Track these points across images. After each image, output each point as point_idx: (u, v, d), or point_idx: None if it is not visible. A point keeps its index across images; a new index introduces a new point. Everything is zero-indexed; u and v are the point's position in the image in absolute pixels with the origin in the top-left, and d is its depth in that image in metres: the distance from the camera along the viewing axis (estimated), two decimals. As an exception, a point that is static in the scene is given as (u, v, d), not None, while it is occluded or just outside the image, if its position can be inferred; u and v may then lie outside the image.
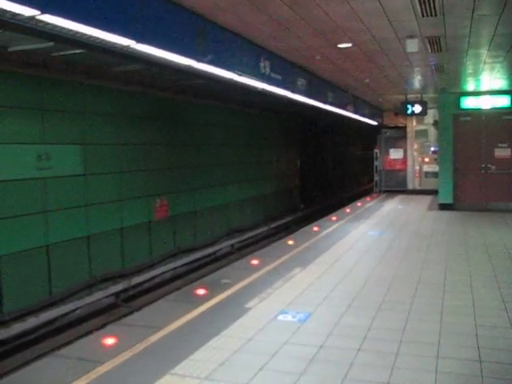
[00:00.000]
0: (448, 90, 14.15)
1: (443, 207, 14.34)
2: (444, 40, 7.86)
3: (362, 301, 5.90)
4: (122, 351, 4.42)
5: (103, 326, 8.59)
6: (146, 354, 4.40)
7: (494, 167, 14.08)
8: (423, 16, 6.43)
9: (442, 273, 7.17)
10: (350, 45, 8.12)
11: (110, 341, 4.65)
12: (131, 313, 9.12)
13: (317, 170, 23.87)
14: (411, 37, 7.49)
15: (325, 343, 4.61)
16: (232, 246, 14.20)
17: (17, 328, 7.55)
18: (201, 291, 6.26)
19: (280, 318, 5.30)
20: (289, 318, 5.29)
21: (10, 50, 7.03)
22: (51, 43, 6.28)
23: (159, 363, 4.19)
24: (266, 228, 16.59)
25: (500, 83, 13.02)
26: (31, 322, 7.79)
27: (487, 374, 3.97)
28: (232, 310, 5.58)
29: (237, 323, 5.15)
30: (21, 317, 7.80)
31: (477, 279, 6.82)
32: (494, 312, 5.51)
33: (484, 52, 8.96)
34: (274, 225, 17.22)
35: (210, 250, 13.07)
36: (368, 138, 26.42)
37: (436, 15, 6.38)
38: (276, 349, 4.48)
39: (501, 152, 14.03)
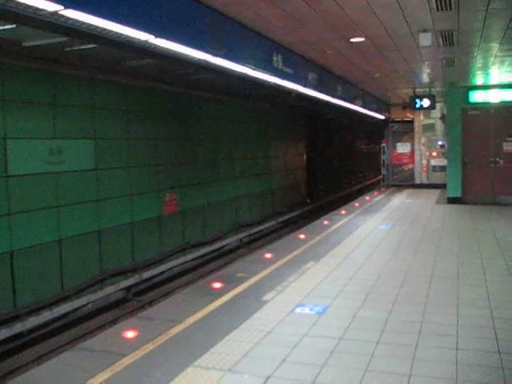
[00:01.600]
0: (457, 83, 14.12)
1: (452, 201, 14.35)
2: (457, 34, 7.85)
3: (377, 294, 5.92)
4: (144, 344, 4.46)
5: (115, 320, 8.67)
6: (168, 346, 4.43)
7: (502, 161, 14.08)
8: (438, 10, 6.42)
9: (455, 266, 7.20)
10: (362, 39, 8.11)
11: (131, 334, 4.69)
12: (143, 306, 9.21)
13: (324, 164, 23.86)
14: (424, 31, 7.48)
15: (344, 335, 4.65)
16: (241, 240, 14.25)
17: (32, 322, 7.60)
18: (216, 285, 6.29)
19: (298, 310, 5.33)
20: (306, 310, 5.33)
21: (23, 45, 7.05)
22: (64, 38, 6.31)
23: (181, 356, 4.22)
24: (273, 222, 16.64)
25: (509, 77, 12.99)
26: (46, 315, 7.85)
27: (507, 365, 4.00)
28: (249, 303, 5.61)
29: (255, 316, 5.18)
30: (34, 311, 7.86)
31: (490, 272, 6.84)
32: (509, 304, 5.53)
33: (495, 46, 8.94)
34: (281, 219, 17.26)
35: (218, 245, 13.12)
36: (375, 132, 26.42)
37: (451, 9, 6.37)
38: (296, 341, 4.52)
39: (509, 146, 14.05)
